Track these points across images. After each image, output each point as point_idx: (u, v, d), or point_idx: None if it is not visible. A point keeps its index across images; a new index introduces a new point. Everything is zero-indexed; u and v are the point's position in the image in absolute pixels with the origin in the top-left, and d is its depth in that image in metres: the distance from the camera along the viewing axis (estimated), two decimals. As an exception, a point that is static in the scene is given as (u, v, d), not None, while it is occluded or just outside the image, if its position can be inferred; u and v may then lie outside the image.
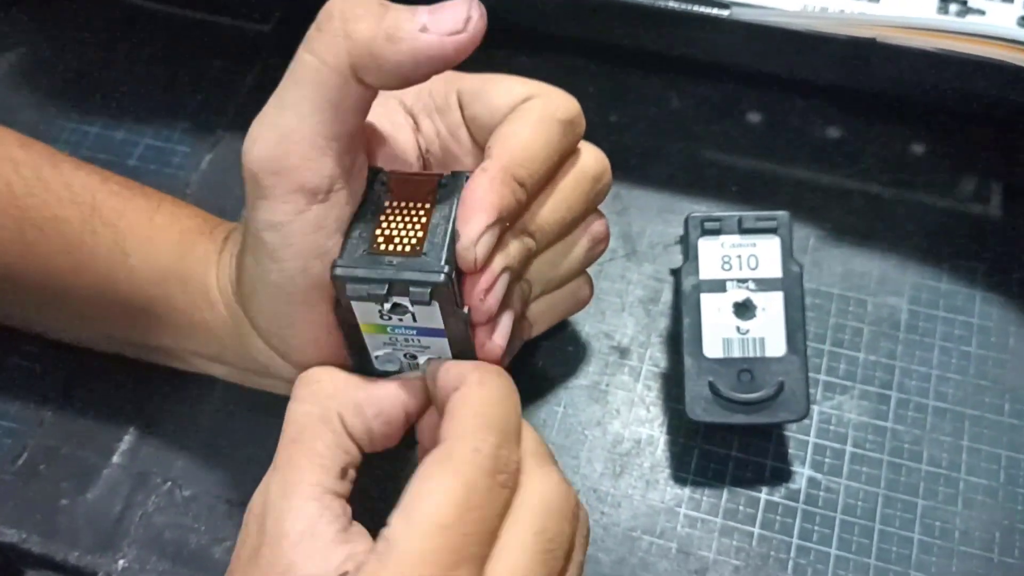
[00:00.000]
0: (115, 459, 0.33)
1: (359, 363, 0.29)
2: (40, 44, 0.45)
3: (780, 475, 0.32)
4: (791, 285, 0.31)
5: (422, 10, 0.24)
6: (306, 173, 0.25)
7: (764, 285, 0.31)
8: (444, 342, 0.28)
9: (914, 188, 0.39)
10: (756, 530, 0.31)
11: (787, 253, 0.31)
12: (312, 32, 0.25)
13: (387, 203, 0.27)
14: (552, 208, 0.29)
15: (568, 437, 0.33)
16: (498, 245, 0.27)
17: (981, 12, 0.33)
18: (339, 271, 0.26)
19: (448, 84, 0.29)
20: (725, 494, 0.32)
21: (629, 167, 0.40)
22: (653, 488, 0.32)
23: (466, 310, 0.27)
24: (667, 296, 0.36)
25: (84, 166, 0.33)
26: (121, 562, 0.31)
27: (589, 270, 0.32)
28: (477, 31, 0.25)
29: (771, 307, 0.31)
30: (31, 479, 0.33)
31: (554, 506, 0.24)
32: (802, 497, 0.32)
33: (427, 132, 0.30)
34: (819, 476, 0.32)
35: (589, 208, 0.30)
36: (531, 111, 0.28)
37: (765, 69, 0.40)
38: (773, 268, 0.31)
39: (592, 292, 0.33)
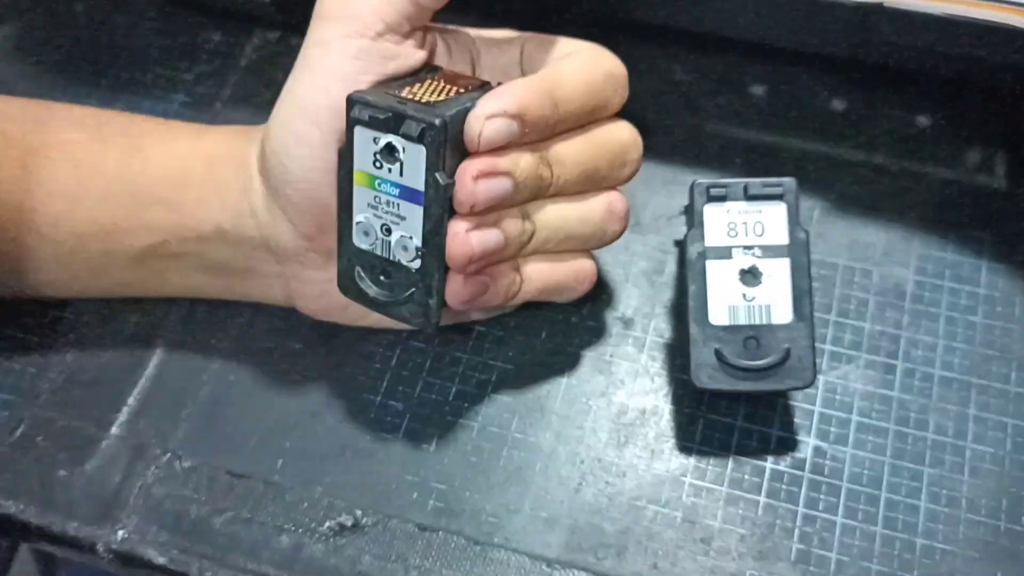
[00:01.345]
0: (113, 430, 0.33)
1: (341, 229, 0.29)
2: (35, 18, 0.45)
3: (786, 444, 0.32)
4: (797, 252, 0.31)
5: None
6: (367, 8, 0.28)
7: (770, 252, 0.31)
8: (420, 213, 0.28)
9: (920, 159, 0.38)
10: (762, 499, 0.31)
11: (793, 220, 0.31)
12: None
13: (430, 80, 0.29)
14: (577, 149, 0.29)
15: (572, 407, 0.33)
16: (511, 149, 0.28)
17: (989, -22, 0.33)
18: (354, 94, 0.27)
19: (515, 34, 0.32)
20: (730, 463, 0.32)
21: (632, 139, 0.39)
22: (658, 458, 0.32)
23: (450, 181, 0.27)
24: (671, 267, 0.36)
25: (77, 105, 0.34)
26: (120, 533, 0.31)
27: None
28: None
29: (777, 274, 0.31)
30: (28, 451, 0.33)
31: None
32: (808, 466, 0.32)
33: (486, 65, 0.32)
34: (825, 445, 0.32)
35: (612, 174, 0.31)
36: (582, 55, 0.30)
37: (769, 40, 0.39)
38: (779, 235, 0.31)
39: (594, 277, 0.32)
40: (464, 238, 0.27)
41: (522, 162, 0.28)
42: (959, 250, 0.36)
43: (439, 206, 0.27)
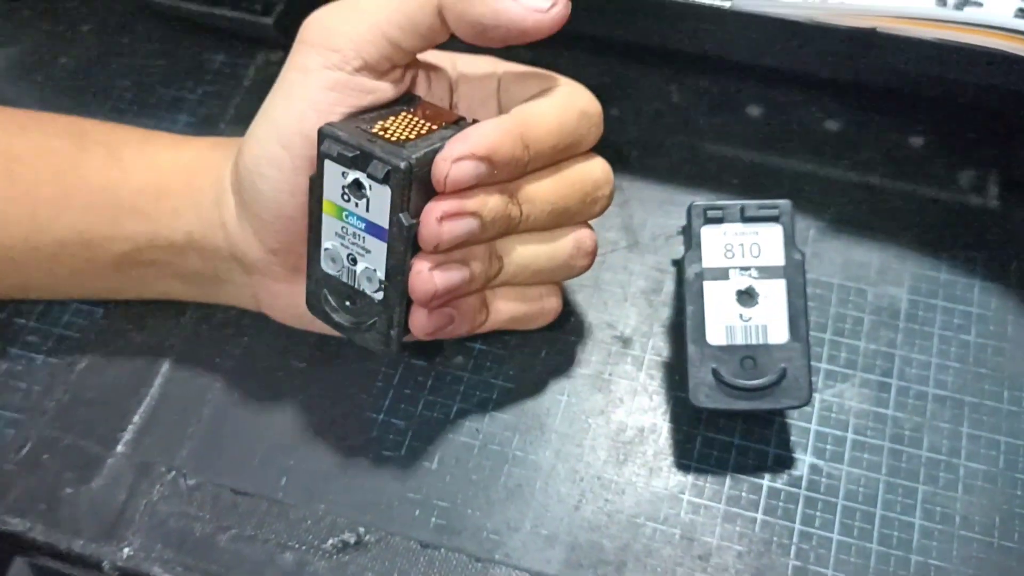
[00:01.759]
0: (119, 448, 0.33)
1: (310, 251, 0.30)
2: (40, 38, 0.45)
3: (782, 462, 0.33)
4: (793, 272, 0.31)
5: None
6: (348, 43, 0.28)
7: (766, 273, 0.31)
8: (384, 249, 0.28)
9: (913, 180, 0.39)
10: (759, 516, 0.32)
11: (789, 241, 0.31)
12: None
13: (404, 113, 0.29)
14: (548, 188, 0.30)
15: (572, 426, 0.34)
16: (480, 190, 0.28)
17: (979, 3, 0.34)
18: (325, 127, 0.28)
19: (494, 65, 0.32)
20: (728, 481, 0.32)
21: (630, 160, 0.40)
22: (656, 475, 0.33)
23: (413, 222, 0.27)
24: (669, 287, 0.37)
25: (61, 115, 0.34)
26: (126, 550, 0.31)
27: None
28: (558, 16, 0.27)
29: (773, 294, 0.31)
30: (34, 469, 0.33)
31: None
32: (804, 483, 0.32)
33: (463, 94, 0.32)
34: (821, 463, 0.33)
35: (583, 211, 0.31)
36: (557, 93, 0.30)
37: (765, 62, 0.40)
38: (775, 256, 0.31)
39: (559, 309, 0.33)
40: (427, 276, 0.28)
41: (490, 202, 0.28)
42: (952, 270, 0.37)
43: (402, 244, 0.28)
